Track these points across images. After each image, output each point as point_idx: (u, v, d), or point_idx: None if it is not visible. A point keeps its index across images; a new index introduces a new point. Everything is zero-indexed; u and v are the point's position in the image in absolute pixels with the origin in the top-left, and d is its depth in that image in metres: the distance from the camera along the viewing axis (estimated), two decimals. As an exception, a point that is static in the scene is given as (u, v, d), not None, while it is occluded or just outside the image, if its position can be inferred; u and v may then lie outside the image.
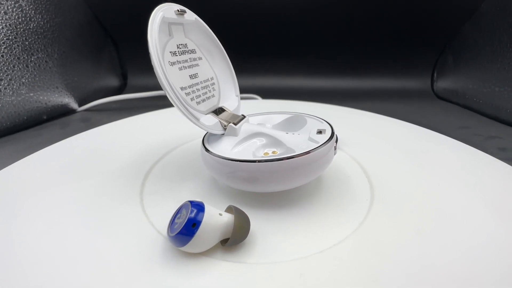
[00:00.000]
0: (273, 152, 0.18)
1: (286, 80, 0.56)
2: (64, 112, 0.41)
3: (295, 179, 0.16)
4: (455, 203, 0.17)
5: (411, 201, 0.17)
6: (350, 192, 0.18)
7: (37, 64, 0.36)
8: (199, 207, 0.13)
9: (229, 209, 0.14)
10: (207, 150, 0.16)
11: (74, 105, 0.43)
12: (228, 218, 0.13)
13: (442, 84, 0.51)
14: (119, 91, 0.54)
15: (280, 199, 0.17)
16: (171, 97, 0.14)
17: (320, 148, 0.16)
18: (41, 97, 0.37)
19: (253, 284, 0.12)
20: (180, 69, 0.15)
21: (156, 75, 0.13)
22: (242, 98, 0.22)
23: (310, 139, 0.17)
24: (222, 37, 0.20)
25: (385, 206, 0.16)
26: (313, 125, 0.19)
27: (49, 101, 0.38)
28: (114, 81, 0.55)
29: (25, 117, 0.35)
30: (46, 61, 0.37)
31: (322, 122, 0.19)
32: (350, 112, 0.35)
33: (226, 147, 0.17)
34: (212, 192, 0.18)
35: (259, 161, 0.15)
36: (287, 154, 0.15)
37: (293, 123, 0.21)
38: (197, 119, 0.16)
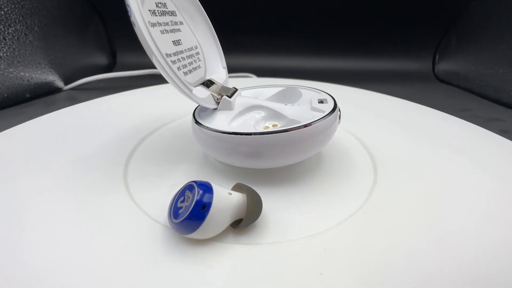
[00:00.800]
0: (274, 125, 0.17)
1: (283, 60, 0.54)
2: (49, 90, 0.39)
3: (304, 151, 0.15)
4: (451, 167, 0.17)
5: (412, 168, 0.17)
6: (352, 164, 0.18)
7: (16, 37, 0.34)
8: (207, 187, 0.11)
9: (237, 188, 0.13)
10: (202, 125, 0.15)
11: (59, 83, 0.40)
12: (238, 197, 0.12)
13: (444, 66, 0.50)
14: (108, 69, 0.52)
15: (282, 175, 0.16)
16: (160, 63, 0.13)
17: (329, 116, 0.15)
18: (22, 73, 0.34)
19: (276, 265, 0.11)
20: (162, 32, 0.13)
21: (139, 37, 0.12)
22: (235, 77, 0.20)
23: (314, 109, 0.17)
24: (215, 12, 0.18)
25: (389, 174, 0.17)
26: (310, 96, 0.18)
27: (31, 78, 0.36)
28: (102, 59, 0.52)
29: (5, 95, 0.33)
30: (25, 34, 0.35)
31: (320, 93, 0.18)
32: (343, 89, 0.34)
33: (221, 122, 0.16)
34: (207, 172, 0.17)
35: (266, 133, 0.14)
36: (291, 125, 0.14)
37: (288, 95, 0.19)
38: (190, 90, 0.14)
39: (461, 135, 0.22)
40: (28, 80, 0.35)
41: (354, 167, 0.18)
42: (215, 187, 0.11)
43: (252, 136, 0.14)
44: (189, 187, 0.12)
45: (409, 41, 0.53)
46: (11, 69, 0.33)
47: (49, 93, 0.39)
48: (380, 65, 0.53)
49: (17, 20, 0.34)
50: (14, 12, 0.33)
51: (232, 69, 0.48)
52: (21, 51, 0.34)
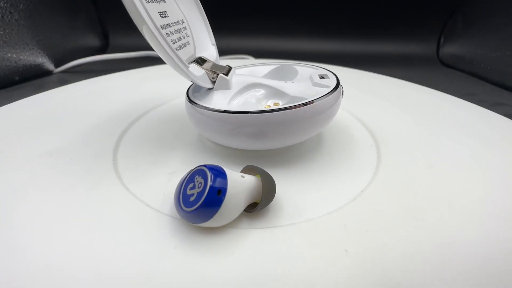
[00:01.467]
0: (275, 104, 0.16)
1: (281, 41, 0.52)
2: (39, 73, 0.37)
3: (313, 128, 0.14)
4: (450, 142, 0.18)
5: (412, 143, 0.18)
6: (354, 141, 0.18)
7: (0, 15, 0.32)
8: (219, 171, 0.10)
9: (248, 170, 0.12)
10: (199, 105, 0.14)
11: (49, 65, 0.39)
12: (252, 180, 0.11)
13: (449, 49, 0.48)
14: (101, 51, 0.50)
15: (284, 156, 0.16)
16: (154, 34, 0.11)
17: (336, 91, 0.15)
18: (8, 54, 0.33)
19: (299, 246, 0.11)
20: (147, 1, 0.12)
21: (127, 4, 0.10)
22: (232, 59, 0.19)
23: (316, 85, 0.16)
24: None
25: (391, 150, 0.17)
26: (308, 73, 0.18)
27: (19, 60, 0.34)
28: (94, 41, 0.50)
29: (-8, 77, 0.31)
30: (10, 12, 0.33)
31: (318, 69, 0.18)
32: (340, 70, 0.34)
33: (220, 102, 0.15)
34: (205, 157, 0.16)
35: (273, 111, 0.13)
36: (294, 103, 0.14)
37: (283, 73, 0.19)
38: (186, 67, 0.13)
39: (462, 114, 0.22)
40: (15, 62, 0.34)
41: (356, 144, 0.18)
42: (227, 171, 0.11)
43: (258, 114, 0.13)
44: (198, 172, 0.11)
45: (413, 23, 0.51)
46: (-3, 50, 0.32)
47: (39, 76, 0.37)
48: (382, 48, 0.52)
49: (0, -3, 0.32)
50: (-4, -12, 0.31)
51: (228, 51, 0.46)
52: (7, 31, 0.32)
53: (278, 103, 0.16)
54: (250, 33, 0.52)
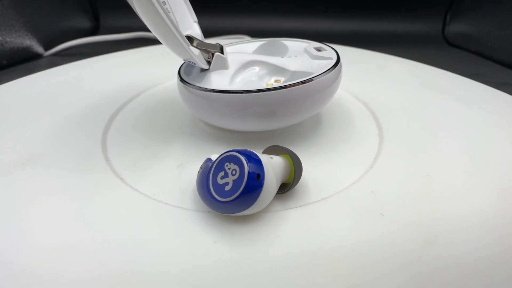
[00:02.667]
0: (276, 81, 0.15)
1: (279, 21, 0.50)
2: (28, 56, 0.36)
3: (323, 102, 0.14)
4: (448, 115, 0.18)
5: (408, 113, 0.18)
6: (353, 117, 0.18)
7: (-19, -6, 0.30)
8: (251, 155, 0.10)
9: (271, 151, 0.12)
10: (202, 88, 0.13)
11: (38, 48, 0.37)
12: (280, 161, 0.11)
13: (455, 28, 0.47)
14: (92, 33, 0.48)
15: (287, 136, 0.16)
16: (155, 6, 0.10)
17: (339, 62, 0.15)
18: (-6, 37, 0.31)
19: (338, 217, 0.11)
20: None
21: None
22: (228, 39, 0.18)
23: (316, 57, 0.16)
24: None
25: (391, 124, 0.17)
26: (300, 47, 0.17)
27: (5, 42, 0.32)
28: (84, 22, 0.48)
29: (-22, 60, 0.30)
30: (-8, -10, 0.31)
31: (309, 42, 0.17)
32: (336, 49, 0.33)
33: (221, 83, 0.14)
34: (209, 144, 0.15)
35: (285, 87, 0.12)
36: (296, 79, 0.13)
37: (273, 49, 0.18)
38: (188, 44, 0.12)
39: (465, 92, 0.22)
40: (2, 45, 0.32)
41: (356, 120, 0.18)
42: (259, 154, 0.10)
43: (270, 92, 0.12)
44: (228, 158, 0.10)
45: (418, 0, 0.48)
46: (-19, 32, 0.30)
47: (29, 60, 0.36)
48: (385, 27, 0.50)
49: (-21, -27, 0.30)
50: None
51: (223, 31, 0.44)
52: (-10, 11, 0.31)
53: (280, 80, 0.15)
54: (247, 12, 0.50)
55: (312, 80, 0.13)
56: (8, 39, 0.33)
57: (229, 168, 0.10)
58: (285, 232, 0.10)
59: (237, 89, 0.13)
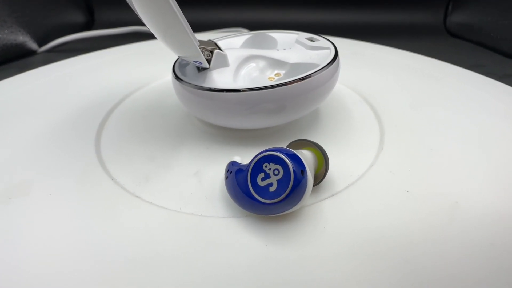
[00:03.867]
0: (277, 74, 0.15)
1: (278, 13, 0.49)
2: (22, 53, 0.35)
3: (328, 92, 0.14)
4: (446, 104, 0.18)
5: (398, 95, 0.19)
6: (351, 109, 0.18)
7: (-30, -11, 0.29)
8: (289, 153, 0.10)
9: (295, 145, 0.12)
10: (210, 89, 0.12)
11: (32, 44, 0.36)
12: (309, 154, 0.11)
13: (457, 18, 0.46)
14: (86, 28, 0.47)
15: (290, 131, 0.16)
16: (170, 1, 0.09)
17: (338, 53, 0.15)
18: (-15, 33, 0.31)
19: (370, 199, 0.12)
20: None
21: None
22: (225, 33, 0.18)
23: (312, 48, 0.16)
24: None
25: (380, 101, 0.18)
26: (289, 39, 0.17)
27: (-2, 39, 0.32)
28: (79, 16, 0.47)
29: (-29, 58, 0.30)
30: (-19, -15, 0.30)
31: (298, 33, 0.17)
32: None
33: (226, 81, 0.14)
34: (217, 147, 0.15)
35: (295, 81, 0.12)
36: (297, 71, 0.13)
37: (262, 42, 0.18)
38: (197, 41, 0.12)
39: (455, 78, 0.22)
40: (-6, 41, 0.32)
41: (354, 111, 0.18)
42: (293, 150, 0.10)
43: (281, 87, 0.12)
44: (266, 159, 0.10)
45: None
46: (-28, 28, 0.29)
47: (23, 56, 0.35)
48: (386, 18, 0.49)
49: (-33, -33, 0.29)
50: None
51: (219, 24, 0.43)
52: (-20, 6, 0.30)
53: (280, 73, 0.15)
54: (244, 4, 0.49)
55: (322, 70, 0.13)
56: (0, 36, 0.32)
57: (269, 169, 0.10)
58: (329, 223, 0.11)
59: (250, 87, 0.12)
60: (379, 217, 0.11)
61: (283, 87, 0.12)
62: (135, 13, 0.11)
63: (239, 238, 0.10)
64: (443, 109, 0.18)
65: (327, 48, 0.15)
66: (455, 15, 0.46)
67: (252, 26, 0.42)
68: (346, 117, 0.17)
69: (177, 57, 0.16)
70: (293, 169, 0.09)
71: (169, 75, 0.22)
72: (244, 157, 0.13)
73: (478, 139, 0.15)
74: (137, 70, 0.24)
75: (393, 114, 0.17)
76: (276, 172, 0.10)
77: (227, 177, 0.11)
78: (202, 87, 0.13)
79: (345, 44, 0.32)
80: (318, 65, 0.14)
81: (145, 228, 0.11)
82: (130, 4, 0.11)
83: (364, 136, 0.16)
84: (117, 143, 0.15)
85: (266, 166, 0.10)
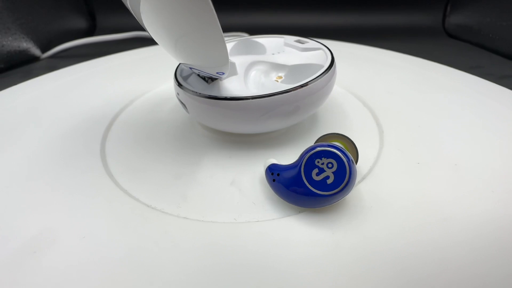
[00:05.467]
0: (278, 77, 0.16)
1: (278, 17, 0.50)
2: (26, 59, 0.36)
3: (329, 92, 0.15)
4: (444, 106, 0.19)
5: (389, 93, 0.20)
6: (349, 110, 0.19)
7: (-25, -3, 0.29)
8: (335, 146, 0.11)
9: (324, 140, 0.13)
10: (233, 98, 0.13)
11: (35, 51, 0.37)
12: (342, 145, 0.12)
13: (455, 19, 0.46)
14: (88, 34, 0.47)
15: (293, 134, 0.17)
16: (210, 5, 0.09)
17: (332, 53, 0.16)
18: (-10, 41, 0.31)
19: (391, 180, 0.13)
20: None
21: None
22: (226, 37, 0.18)
23: (305, 50, 0.17)
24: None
25: (373, 99, 0.19)
26: (275, 43, 0.18)
27: (2, 46, 0.32)
28: (81, 22, 0.47)
29: (-24, 65, 0.30)
30: (-14, -7, 0.30)
31: (282, 37, 0.18)
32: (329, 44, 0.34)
33: (239, 89, 0.14)
34: (239, 151, 0.15)
35: (308, 84, 0.13)
36: (297, 73, 0.14)
37: (249, 48, 0.18)
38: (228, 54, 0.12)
39: (450, 80, 0.23)
40: (-1, 48, 0.32)
41: (353, 112, 0.19)
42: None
43: (297, 91, 0.13)
44: (317, 155, 0.11)
45: (419, -9, 0.48)
46: (-23, 36, 0.30)
47: (26, 63, 0.36)
48: (385, 20, 0.49)
49: (-28, -24, 0.29)
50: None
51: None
52: (-15, 14, 0.30)
53: (281, 76, 0.16)
54: (244, 8, 0.49)
55: (329, 69, 0.14)
56: (4, 43, 0.32)
57: (322, 164, 0.10)
58: (364, 208, 0.12)
59: (268, 92, 0.13)
60: (405, 196, 0.12)
61: (301, 88, 0.13)
62: (135, 18, 0.11)
63: (307, 233, 0.11)
64: (440, 110, 0.19)
65: (319, 48, 0.16)
66: (453, 17, 0.46)
67: (253, 30, 0.42)
68: (340, 115, 0.18)
69: (176, 67, 0.16)
70: (347, 160, 0.10)
71: (167, 83, 0.23)
72: (259, 159, 0.14)
73: (479, 138, 0.16)
74: (136, 78, 0.25)
75: (383, 109, 0.19)
76: (329, 165, 0.10)
77: (274, 180, 0.12)
78: (220, 97, 0.13)
79: (337, 46, 0.32)
80: (317, 64, 0.15)
81: (217, 247, 0.10)
82: (132, 10, 0.11)
83: (362, 131, 0.17)
84: (134, 165, 0.15)
85: (318, 162, 0.11)
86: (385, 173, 0.14)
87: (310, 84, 0.13)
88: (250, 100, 0.13)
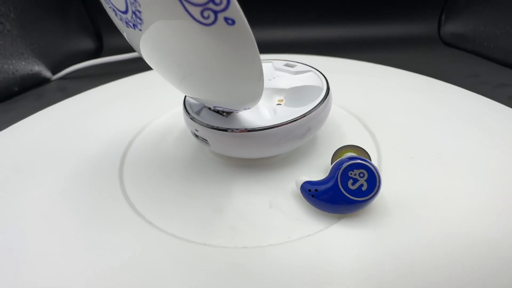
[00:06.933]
0: (280, 100, 0.17)
1: (273, 31, 0.51)
2: (38, 81, 0.37)
3: (330, 110, 0.16)
4: (441, 124, 0.20)
5: (369, 99, 0.23)
6: (345, 127, 0.20)
7: (-8, 27, 0.31)
8: (361, 158, 0.13)
9: (343, 151, 0.15)
10: (256, 129, 0.13)
11: (47, 73, 0.38)
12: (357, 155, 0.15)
13: (450, 28, 0.47)
14: (96, 54, 0.49)
15: (297, 154, 0.17)
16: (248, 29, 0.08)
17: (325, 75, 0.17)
18: (5, 66, 0.33)
19: (402, 177, 0.15)
20: None
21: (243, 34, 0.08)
22: None
23: (298, 73, 0.18)
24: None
25: (381, 127, 0.20)
26: (267, 68, 0.19)
27: (16, 71, 0.34)
28: (88, 43, 0.49)
29: (-8, 90, 0.31)
30: (1, 23, 0.32)
31: (271, 61, 0.19)
32: (326, 60, 0.34)
33: (255, 117, 0.15)
34: (262, 174, 0.16)
35: (316, 107, 0.15)
36: (295, 95, 0.16)
37: None
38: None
39: (437, 91, 0.24)
40: (13, 73, 0.34)
41: (344, 122, 0.20)
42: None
43: (311, 114, 0.14)
44: (350, 168, 0.12)
45: (413, 1, 0.49)
46: (-7, 63, 0.31)
47: (37, 85, 0.37)
48: (382, 31, 0.50)
49: (-11, 8, 0.31)
50: (-16, -1, 0.31)
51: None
52: (0, 42, 0.32)
53: (282, 99, 0.17)
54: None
55: (329, 90, 0.16)
56: (18, 67, 0.34)
57: (355, 174, 0.12)
58: (388, 203, 0.13)
59: (286, 120, 0.14)
60: (408, 184, 0.15)
61: (312, 112, 0.14)
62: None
63: (354, 235, 0.12)
64: (435, 124, 0.20)
65: (309, 70, 0.18)
66: (448, 25, 0.48)
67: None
68: (336, 129, 0.20)
69: (184, 103, 0.16)
70: (375, 168, 0.12)
71: (175, 108, 0.23)
72: (284, 178, 0.15)
73: (474, 156, 0.17)
74: (141, 104, 0.25)
75: (372, 117, 0.20)
76: (361, 175, 0.12)
77: (313, 195, 0.13)
78: (250, 129, 0.14)
79: (314, 60, 0.33)
80: (312, 86, 0.16)
81: (295, 266, 0.11)
82: (130, 40, 0.11)
83: (361, 139, 0.18)
84: (165, 204, 0.15)
85: (351, 173, 0.12)
86: (390, 169, 0.15)
87: (320, 106, 0.15)
88: (277, 128, 0.14)
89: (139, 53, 0.12)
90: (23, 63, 0.35)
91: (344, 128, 0.20)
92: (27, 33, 0.36)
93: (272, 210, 0.14)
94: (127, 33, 0.11)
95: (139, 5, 0.08)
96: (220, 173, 0.16)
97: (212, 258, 0.12)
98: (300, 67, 0.18)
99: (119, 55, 0.40)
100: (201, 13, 0.07)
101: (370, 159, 0.15)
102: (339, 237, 0.12)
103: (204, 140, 0.15)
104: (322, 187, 0.13)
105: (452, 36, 0.46)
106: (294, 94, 0.16)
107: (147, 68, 0.34)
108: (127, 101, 0.27)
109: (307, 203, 0.13)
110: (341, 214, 0.13)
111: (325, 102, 0.15)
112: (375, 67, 0.31)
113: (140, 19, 0.09)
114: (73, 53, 0.45)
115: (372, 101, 0.23)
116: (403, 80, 0.27)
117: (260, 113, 0.15)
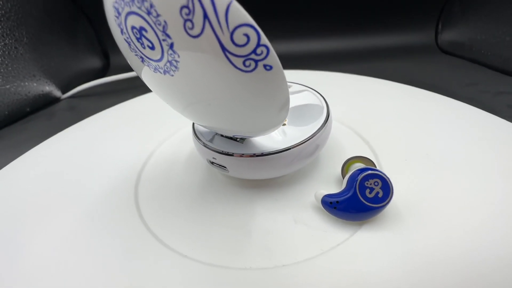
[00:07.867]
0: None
1: (277, 45, 0.52)
2: (48, 101, 0.39)
3: (331, 127, 0.17)
4: (430, 140, 0.21)
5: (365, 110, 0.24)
6: (343, 142, 0.21)
7: (6, 52, 0.33)
8: (372, 169, 0.14)
9: (352, 162, 0.16)
10: (271, 153, 0.14)
11: (57, 92, 0.40)
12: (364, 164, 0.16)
13: (447, 36, 0.48)
14: (103, 72, 0.51)
15: (298, 174, 0.18)
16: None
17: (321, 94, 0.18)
18: (19, 88, 0.34)
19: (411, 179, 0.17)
20: None
21: (277, 72, 0.09)
22: None
23: (292, 93, 0.19)
24: None
25: (379, 140, 0.21)
26: None
27: (29, 92, 0.35)
28: (95, 62, 0.51)
29: (6, 112, 0.33)
30: (15, 47, 0.34)
31: None
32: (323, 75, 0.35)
33: (268, 140, 0.15)
34: (279, 193, 0.16)
35: (324, 125, 0.16)
36: (298, 114, 0.17)
37: None
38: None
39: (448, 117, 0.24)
40: (26, 94, 0.35)
41: (346, 138, 0.21)
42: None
43: (319, 132, 0.15)
44: (365, 178, 0.14)
45: (409, 11, 0.50)
46: (8, 86, 0.33)
47: (48, 104, 0.39)
48: (379, 41, 0.51)
49: (4, 34, 0.33)
50: (0, 26, 0.32)
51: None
52: (14, 66, 0.34)
53: (285, 119, 0.17)
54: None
55: (329, 112, 0.17)
56: (30, 89, 0.36)
57: (370, 184, 0.14)
58: (399, 206, 0.15)
59: (298, 141, 0.15)
60: (411, 187, 0.16)
61: (320, 130, 0.15)
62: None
63: (381, 237, 0.13)
64: (432, 137, 0.21)
65: (305, 90, 0.18)
66: (445, 34, 0.48)
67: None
68: (332, 140, 0.20)
69: (193, 130, 0.16)
70: (387, 177, 0.14)
71: (176, 134, 0.23)
72: (300, 193, 0.16)
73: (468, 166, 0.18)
74: (149, 127, 0.25)
75: (366, 129, 0.21)
76: (376, 183, 0.14)
77: (335, 207, 0.14)
78: (267, 153, 0.14)
79: (308, 76, 0.34)
80: (312, 104, 0.17)
81: (340, 277, 0.12)
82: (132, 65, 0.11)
83: (363, 151, 0.19)
84: (188, 230, 0.15)
85: (367, 183, 0.14)
86: (391, 173, 0.15)
87: (326, 123, 0.16)
88: (292, 149, 0.15)
89: (147, 83, 0.13)
90: (35, 84, 0.36)
91: (340, 138, 0.21)
92: (38, 55, 0.37)
93: (298, 225, 0.14)
94: (146, 73, 0.11)
95: (178, 56, 0.08)
96: (239, 195, 0.16)
97: (258, 282, 0.12)
98: (294, 88, 0.19)
99: (125, 73, 0.42)
100: (243, 63, 0.08)
101: (375, 167, 0.16)
102: (368, 242, 0.13)
103: (222, 167, 0.15)
104: (342, 198, 0.14)
105: (450, 44, 0.47)
106: (295, 113, 0.17)
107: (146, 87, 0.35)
108: (126, 130, 0.26)
109: (328, 214, 0.14)
110: (362, 220, 0.14)
111: (329, 119, 0.16)
112: (359, 78, 0.32)
113: (175, 67, 0.09)
114: (82, 72, 0.46)
115: (360, 111, 0.24)
116: (387, 89, 0.28)
117: (271, 136, 0.16)
